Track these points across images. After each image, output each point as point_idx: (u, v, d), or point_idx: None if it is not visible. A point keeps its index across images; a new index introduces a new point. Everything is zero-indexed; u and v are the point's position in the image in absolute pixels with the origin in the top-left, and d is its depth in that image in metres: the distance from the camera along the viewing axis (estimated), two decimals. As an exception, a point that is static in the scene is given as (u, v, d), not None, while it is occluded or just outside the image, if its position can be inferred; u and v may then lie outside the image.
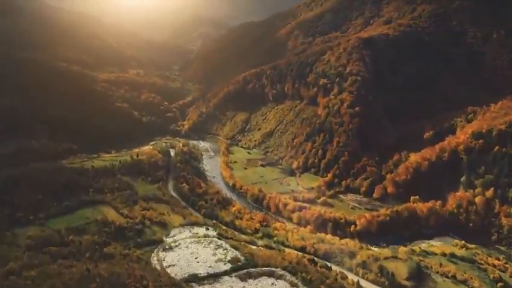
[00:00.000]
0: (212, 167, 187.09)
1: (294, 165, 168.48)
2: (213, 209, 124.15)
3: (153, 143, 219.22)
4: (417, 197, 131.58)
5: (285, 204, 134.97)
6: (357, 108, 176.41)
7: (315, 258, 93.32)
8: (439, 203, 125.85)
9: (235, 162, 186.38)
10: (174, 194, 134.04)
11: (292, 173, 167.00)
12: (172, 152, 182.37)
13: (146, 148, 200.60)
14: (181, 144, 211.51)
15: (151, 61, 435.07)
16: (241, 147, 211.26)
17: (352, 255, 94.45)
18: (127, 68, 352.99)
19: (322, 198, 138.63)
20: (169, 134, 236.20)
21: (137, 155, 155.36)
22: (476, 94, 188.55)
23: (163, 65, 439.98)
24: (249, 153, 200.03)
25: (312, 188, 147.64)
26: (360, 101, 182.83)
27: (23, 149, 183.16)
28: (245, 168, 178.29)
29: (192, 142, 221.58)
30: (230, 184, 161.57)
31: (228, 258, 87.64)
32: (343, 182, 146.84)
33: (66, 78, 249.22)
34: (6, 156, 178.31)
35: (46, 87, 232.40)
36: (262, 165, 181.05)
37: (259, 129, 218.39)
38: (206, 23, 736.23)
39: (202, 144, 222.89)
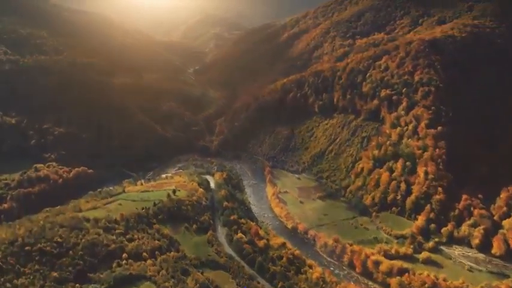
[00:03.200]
0: (258, 198, 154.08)
1: (367, 201, 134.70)
2: (288, 277, 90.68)
3: (180, 164, 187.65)
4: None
5: (376, 263, 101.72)
6: (439, 128, 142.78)
7: None
8: None
9: (286, 192, 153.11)
10: (231, 251, 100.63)
11: (364, 211, 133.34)
12: (211, 181, 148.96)
13: (175, 172, 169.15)
14: (215, 165, 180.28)
15: (165, 63, 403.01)
16: (287, 170, 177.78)
17: None
18: (142, 72, 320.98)
19: (424, 254, 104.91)
20: (198, 152, 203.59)
21: (174, 192, 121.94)
22: None
23: (177, 67, 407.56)
24: (298, 178, 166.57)
25: (403, 237, 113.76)
26: (440, 118, 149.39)
27: (30, 177, 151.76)
28: (301, 202, 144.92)
29: (227, 163, 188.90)
30: (289, 226, 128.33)
31: None
32: (444, 230, 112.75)
33: (78, 88, 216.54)
34: (9, 188, 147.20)
35: (56, 99, 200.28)
36: (321, 198, 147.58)
37: (306, 148, 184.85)
38: (218, 23, 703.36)
39: (239, 166, 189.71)
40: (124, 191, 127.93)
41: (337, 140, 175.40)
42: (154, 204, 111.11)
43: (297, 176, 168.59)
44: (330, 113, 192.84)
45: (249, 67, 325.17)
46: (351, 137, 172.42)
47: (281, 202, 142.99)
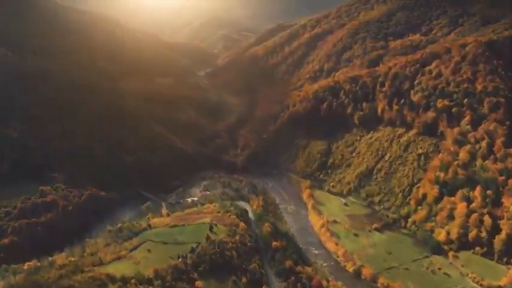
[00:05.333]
0: (301, 229, 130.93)
1: (440, 236, 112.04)
2: None
3: (205, 182, 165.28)
4: None
5: (480, 331, 78.98)
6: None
7: None
8: None
9: (335, 221, 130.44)
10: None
11: (437, 249, 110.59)
12: (248, 209, 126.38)
13: (202, 195, 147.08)
14: (244, 185, 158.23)
15: (175, 66, 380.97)
16: (329, 191, 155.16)
17: None
18: (152, 76, 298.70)
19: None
20: (222, 168, 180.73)
21: (211, 229, 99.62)
22: None
23: (188, 70, 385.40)
24: (345, 204, 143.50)
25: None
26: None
27: (35, 204, 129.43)
28: (355, 235, 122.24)
29: (257, 181, 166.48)
30: (350, 269, 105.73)
31: None
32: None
33: (86, 95, 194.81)
34: (10, 218, 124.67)
35: (61, 109, 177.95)
36: (378, 230, 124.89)
37: (349, 165, 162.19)
38: (226, 24, 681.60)
39: (271, 185, 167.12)
40: (149, 226, 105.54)
41: (386, 156, 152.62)
42: (192, 250, 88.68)
43: (343, 200, 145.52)
44: (373, 125, 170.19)
45: (266, 70, 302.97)
46: (403, 153, 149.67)
47: (333, 235, 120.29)
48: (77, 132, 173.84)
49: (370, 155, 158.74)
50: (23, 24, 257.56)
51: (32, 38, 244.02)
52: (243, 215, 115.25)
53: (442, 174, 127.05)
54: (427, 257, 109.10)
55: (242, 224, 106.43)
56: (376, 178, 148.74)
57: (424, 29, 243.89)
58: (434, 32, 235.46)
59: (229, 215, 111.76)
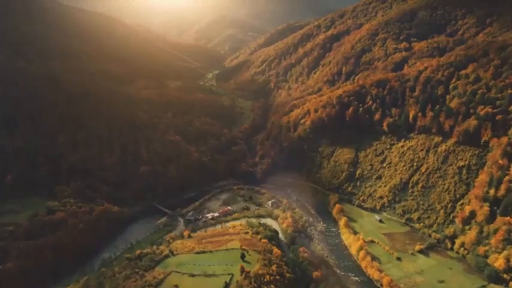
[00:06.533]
0: (334, 250, 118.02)
1: (498, 263, 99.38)
2: None
3: (224, 196, 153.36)
4: None
5: None
6: None
7: None
8: None
9: (372, 241, 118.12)
10: None
11: (494, 277, 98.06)
12: (277, 227, 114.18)
13: (222, 211, 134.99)
14: (268, 200, 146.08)
15: (184, 68, 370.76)
16: (360, 206, 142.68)
17: None
18: (163, 79, 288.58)
19: None
20: (240, 178, 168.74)
21: (242, 256, 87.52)
22: None
23: (196, 72, 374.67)
24: (380, 221, 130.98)
25: None
26: None
27: (42, 222, 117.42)
28: (398, 259, 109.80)
29: (279, 194, 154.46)
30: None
31: None
32: None
33: (95, 101, 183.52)
34: (15, 237, 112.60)
35: (69, 115, 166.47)
36: (422, 252, 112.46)
37: (379, 177, 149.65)
38: (232, 24, 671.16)
39: (294, 198, 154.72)
40: (171, 253, 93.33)
41: (423, 168, 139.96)
42: (226, 285, 76.44)
43: (377, 216, 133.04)
44: (404, 133, 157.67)
45: (279, 72, 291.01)
46: (441, 165, 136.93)
47: (373, 259, 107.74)
48: (87, 142, 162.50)
49: (404, 166, 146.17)
50: (29, 25, 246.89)
51: (38, 40, 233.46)
52: (273, 237, 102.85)
53: (492, 191, 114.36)
54: (484, 286, 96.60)
55: (276, 250, 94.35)
56: (412, 192, 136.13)
57: (449, 29, 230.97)
58: (460, 32, 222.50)
59: (260, 239, 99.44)
